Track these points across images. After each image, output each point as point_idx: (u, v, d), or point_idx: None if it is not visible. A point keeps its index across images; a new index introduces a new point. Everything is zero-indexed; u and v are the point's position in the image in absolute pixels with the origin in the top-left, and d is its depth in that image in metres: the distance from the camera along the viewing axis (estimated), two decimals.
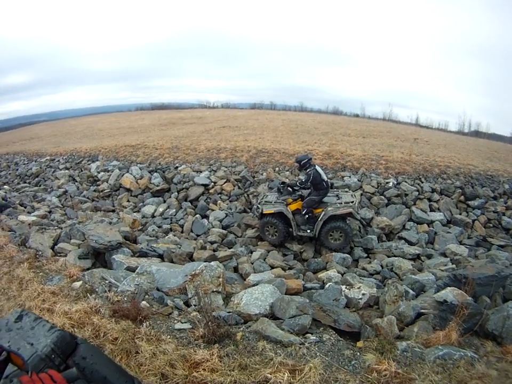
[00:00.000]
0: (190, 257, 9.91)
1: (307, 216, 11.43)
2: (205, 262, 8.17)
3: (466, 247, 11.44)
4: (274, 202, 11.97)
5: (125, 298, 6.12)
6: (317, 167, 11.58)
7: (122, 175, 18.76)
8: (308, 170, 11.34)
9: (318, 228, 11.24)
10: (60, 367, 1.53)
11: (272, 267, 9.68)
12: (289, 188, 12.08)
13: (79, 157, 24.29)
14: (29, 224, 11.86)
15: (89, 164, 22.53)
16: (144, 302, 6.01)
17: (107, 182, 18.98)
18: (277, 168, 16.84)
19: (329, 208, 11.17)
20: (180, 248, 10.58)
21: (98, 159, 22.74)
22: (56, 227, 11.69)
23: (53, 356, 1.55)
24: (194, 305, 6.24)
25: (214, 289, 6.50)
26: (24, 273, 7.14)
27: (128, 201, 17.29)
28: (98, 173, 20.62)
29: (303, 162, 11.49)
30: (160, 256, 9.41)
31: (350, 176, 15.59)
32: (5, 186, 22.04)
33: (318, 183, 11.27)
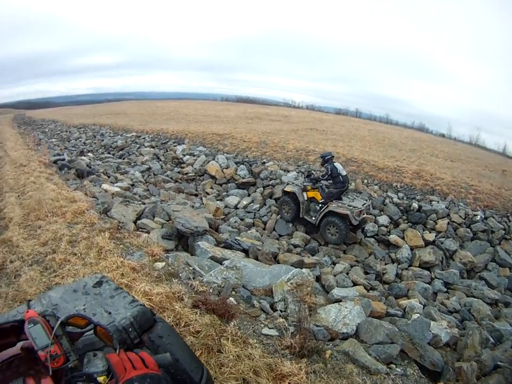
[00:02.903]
0: (275, 258, 9.63)
1: (320, 206, 12.43)
2: (292, 266, 7.93)
3: None
4: (296, 184, 13.31)
5: (211, 291, 5.82)
6: (335, 163, 12.61)
7: (208, 162, 18.77)
8: (326, 165, 12.45)
9: (319, 218, 12.32)
10: (133, 341, 1.56)
11: (354, 283, 9.27)
12: (312, 177, 13.29)
13: (165, 138, 24.87)
14: (112, 194, 11.99)
15: (175, 146, 22.94)
16: (231, 299, 5.65)
17: (192, 166, 19.07)
18: (365, 180, 16.09)
19: (332, 205, 12.00)
20: (262, 245, 10.32)
21: (185, 142, 23.05)
22: (139, 202, 11.78)
23: (130, 329, 1.58)
24: (281, 311, 5.88)
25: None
26: (104, 242, 6.97)
27: (211, 188, 17.09)
28: (184, 155, 20.83)
29: (326, 158, 12.61)
30: (245, 251, 9.13)
31: (438, 202, 14.60)
32: (89, 154, 22.86)
33: (334, 176, 12.26)
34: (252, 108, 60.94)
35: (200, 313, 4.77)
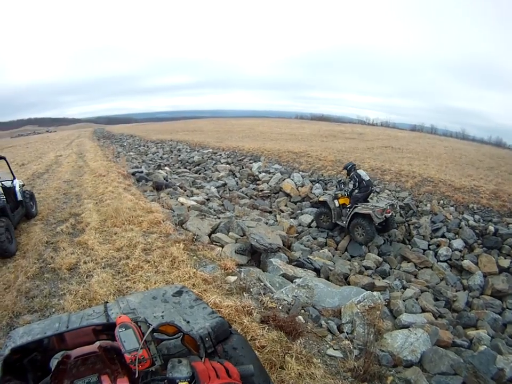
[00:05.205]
0: (345, 279, 9.57)
1: (348, 210, 13.25)
2: (362, 288, 7.86)
3: None
4: (328, 194, 14.69)
5: (280, 308, 5.79)
6: (358, 170, 13.57)
7: (284, 180, 18.83)
8: (352, 174, 13.36)
9: (347, 220, 13.11)
10: (207, 350, 1.62)
11: (423, 310, 8.88)
12: (342, 186, 14.25)
13: (241, 155, 25.36)
14: (188, 207, 12.32)
15: (251, 163, 23.31)
16: (300, 317, 5.59)
17: (267, 183, 19.22)
18: (441, 201, 15.34)
19: (357, 207, 12.78)
20: (334, 265, 10.30)
21: (261, 160, 23.34)
22: (215, 216, 12.11)
23: (206, 338, 1.66)
24: (347, 333, 5.73)
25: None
26: (178, 253, 7.18)
27: (286, 205, 17.04)
28: (260, 173, 21.07)
29: (349, 168, 13.67)
30: (316, 271, 9.11)
31: None
32: (166, 168, 23.75)
33: (359, 182, 13.15)
34: (327, 126, 61.12)
35: (267, 329, 4.76)
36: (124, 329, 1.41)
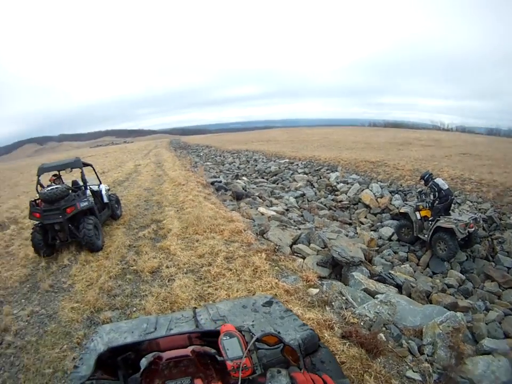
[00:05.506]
0: (427, 296, 9.23)
1: (430, 223, 12.79)
2: (444, 307, 7.52)
3: None
4: (409, 205, 14.18)
5: (362, 323, 5.71)
6: (436, 179, 13.15)
7: (362, 190, 18.65)
8: (430, 183, 12.93)
9: (429, 234, 12.61)
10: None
11: (506, 335, 8.21)
12: (423, 196, 13.68)
13: (318, 165, 25.33)
14: (268, 217, 12.51)
15: (328, 173, 23.16)
16: (381, 335, 5.47)
17: (346, 194, 19.10)
18: None
19: (440, 220, 12.32)
20: (416, 282, 9.99)
21: (338, 170, 23.14)
22: (295, 227, 12.19)
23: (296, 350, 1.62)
24: (428, 355, 5.52)
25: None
26: (260, 262, 7.26)
27: (366, 217, 17.03)
28: (338, 183, 20.92)
29: (426, 177, 13.35)
30: (398, 286, 8.94)
31: None
32: (243, 178, 24.21)
33: (438, 191, 12.68)
34: (401, 133, 59.74)
35: (348, 345, 4.72)
36: (228, 338, 1.49)
